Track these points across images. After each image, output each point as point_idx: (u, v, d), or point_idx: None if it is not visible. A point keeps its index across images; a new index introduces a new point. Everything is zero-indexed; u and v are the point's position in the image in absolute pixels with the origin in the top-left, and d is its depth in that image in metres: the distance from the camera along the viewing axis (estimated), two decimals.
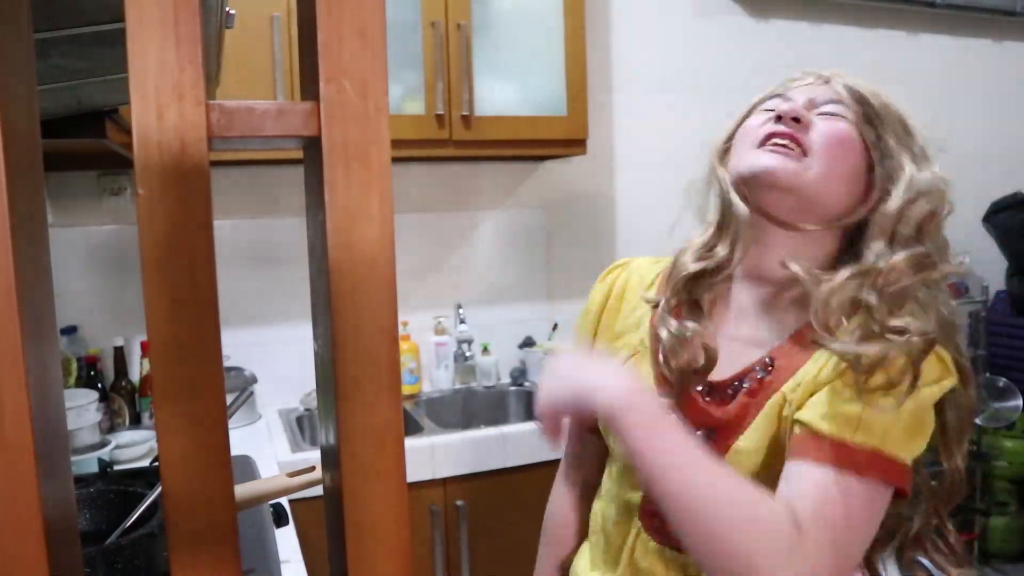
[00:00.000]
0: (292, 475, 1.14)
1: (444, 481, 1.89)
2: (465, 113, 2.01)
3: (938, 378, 0.73)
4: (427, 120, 2.00)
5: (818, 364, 0.76)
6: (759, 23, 2.72)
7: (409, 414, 2.11)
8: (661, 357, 0.84)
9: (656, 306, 0.88)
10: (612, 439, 0.90)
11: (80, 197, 2.05)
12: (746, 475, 0.75)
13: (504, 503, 1.95)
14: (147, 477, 1.31)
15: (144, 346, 2.09)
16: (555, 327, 2.45)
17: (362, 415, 0.32)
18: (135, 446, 1.81)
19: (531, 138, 2.12)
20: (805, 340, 0.79)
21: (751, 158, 0.79)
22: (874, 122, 0.79)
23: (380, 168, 0.32)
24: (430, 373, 2.36)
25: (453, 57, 2.00)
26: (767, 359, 0.81)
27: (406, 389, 2.28)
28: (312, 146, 0.33)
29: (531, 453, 1.95)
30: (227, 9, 0.70)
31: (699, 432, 0.80)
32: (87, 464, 1.55)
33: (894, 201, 0.76)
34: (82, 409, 1.66)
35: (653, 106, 2.59)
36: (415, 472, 1.83)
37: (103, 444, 1.69)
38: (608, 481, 0.94)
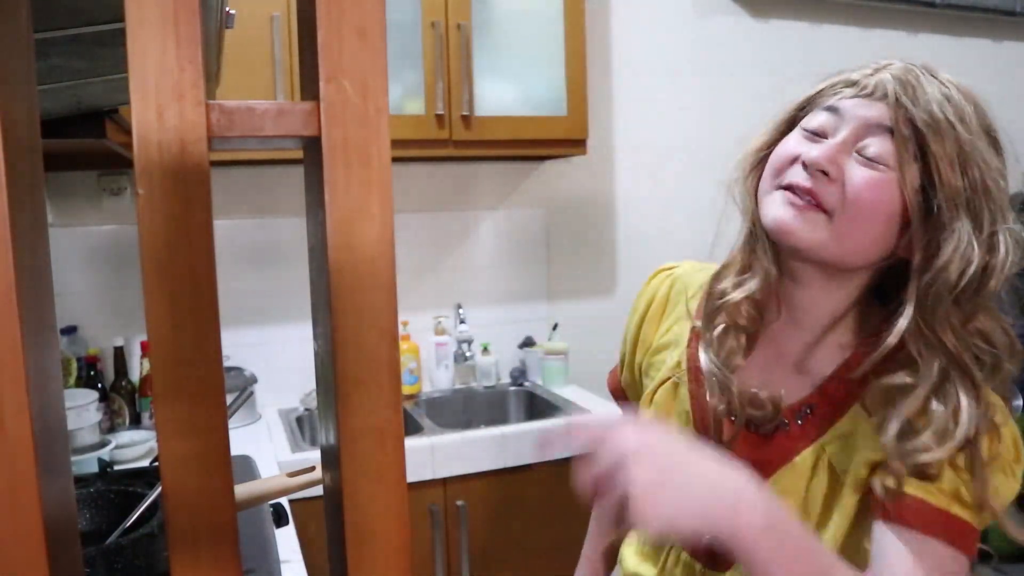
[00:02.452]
0: (292, 475, 1.14)
1: (444, 481, 1.89)
2: (465, 113, 2.01)
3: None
4: (427, 120, 2.00)
5: (855, 423, 0.75)
6: (759, 23, 2.72)
7: (409, 414, 2.11)
8: (708, 392, 0.81)
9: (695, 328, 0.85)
10: None
11: (80, 197, 2.05)
12: None
13: (504, 503, 1.95)
14: (147, 477, 1.31)
15: (144, 346, 2.09)
16: (555, 327, 2.45)
17: (362, 415, 0.32)
18: (135, 446, 1.81)
19: (531, 138, 2.12)
20: (842, 387, 0.76)
21: (771, 209, 0.74)
22: (929, 161, 0.68)
23: (380, 168, 0.32)
24: (430, 373, 2.36)
25: (453, 57, 2.00)
26: (807, 408, 0.78)
27: (406, 389, 2.28)
28: (312, 146, 0.33)
29: (531, 453, 1.95)
30: (227, 9, 0.70)
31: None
32: (87, 464, 1.55)
33: (940, 265, 0.68)
34: (82, 409, 1.66)
35: (653, 106, 2.59)
36: (415, 472, 1.83)
37: (103, 444, 1.69)
38: None
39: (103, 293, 2.08)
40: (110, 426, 1.97)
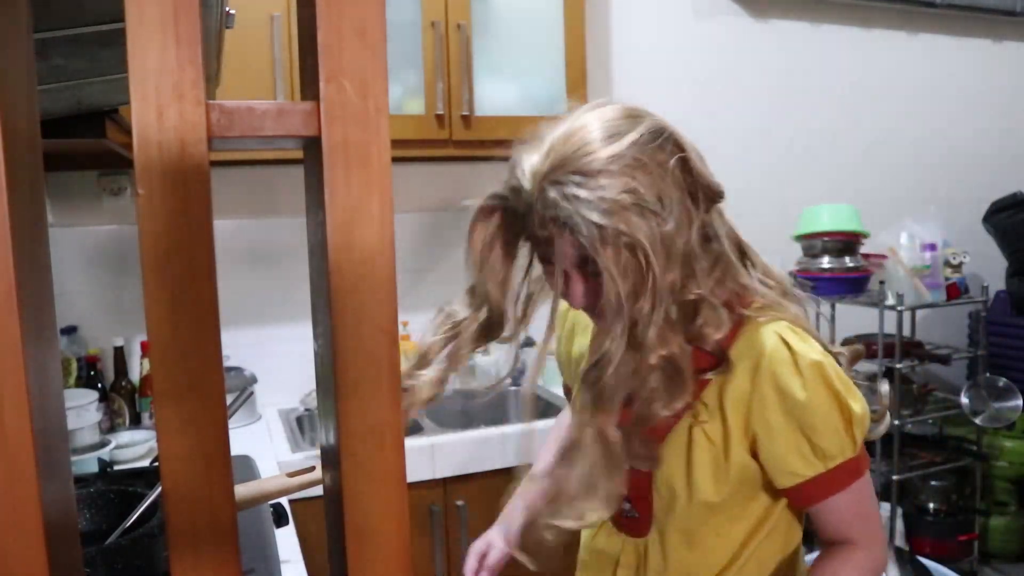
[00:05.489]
0: (292, 475, 1.14)
1: (444, 481, 1.89)
2: (465, 113, 2.01)
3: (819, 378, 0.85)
4: (427, 120, 2.00)
5: (716, 393, 0.88)
6: (759, 23, 2.72)
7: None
8: None
9: None
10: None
11: (80, 197, 2.05)
12: (669, 475, 0.92)
13: (504, 503, 1.95)
14: (147, 477, 1.31)
15: (144, 346, 2.09)
16: None
17: (362, 415, 0.32)
18: (135, 446, 1.81)
19: None
20: (700, 368, 0.88)
21: None
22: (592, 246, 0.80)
23: (380, 168, 0.32)
24: None
25: (453, 57, 2.00)
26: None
27: None
28: (312, 146, 0.33)
29: (531, 453, 1.95)
30: (227, 9, 0.70)
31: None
32: (87, 464, 1.55)
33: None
34: (82, 409, 1.66)
35: (653, 106, 2.58)
36: (415, 472, 1.83)
37: (103, 444, 1.69)
38: None
39: (103, 293, 2.08)
40: (110, 426, 1.97)
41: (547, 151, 0.81)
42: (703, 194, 0.83)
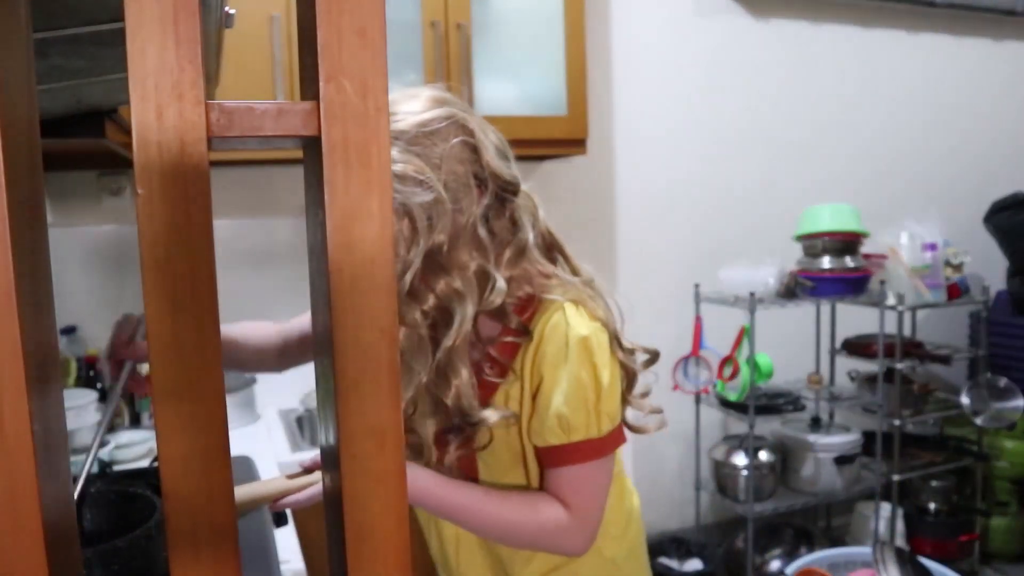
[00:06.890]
0: (292, 477, 1.14)
1: None
2: None
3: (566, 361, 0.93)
4: None
5: (519, 362, 0.97)
6: (759, 23, 2.72)
7: None
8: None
9: None
10: None
11: (80, 197, 2.05)
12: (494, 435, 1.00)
13: None
14: (147, 477, 1.31)
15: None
16: None
17: (362, 415, 0.32)
18: (135, 446, 1.81)
19: (531, 138, 2.12)
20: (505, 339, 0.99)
21: None
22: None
23: (380, 168, 0.32)
24: None
25: (453, 57, 2.00)
26: (488, 365, 1.01)
27: None
28: (312, 146, 0.33)
29: None
30: (227, 9, 0.70)
31: None
32: None
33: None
34: (82, 409, 1.66)
35: (653, 106, 2.59)
36: None
37: (103, 444, 1.69)
38: None
39: (103, 293, 2.08)
40: (110, 426, 1.97)
41: None
42: (493, 182, 0.92)
